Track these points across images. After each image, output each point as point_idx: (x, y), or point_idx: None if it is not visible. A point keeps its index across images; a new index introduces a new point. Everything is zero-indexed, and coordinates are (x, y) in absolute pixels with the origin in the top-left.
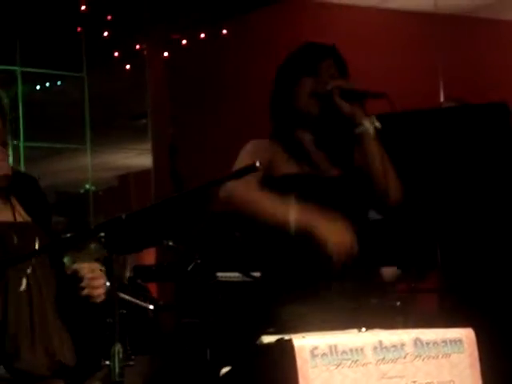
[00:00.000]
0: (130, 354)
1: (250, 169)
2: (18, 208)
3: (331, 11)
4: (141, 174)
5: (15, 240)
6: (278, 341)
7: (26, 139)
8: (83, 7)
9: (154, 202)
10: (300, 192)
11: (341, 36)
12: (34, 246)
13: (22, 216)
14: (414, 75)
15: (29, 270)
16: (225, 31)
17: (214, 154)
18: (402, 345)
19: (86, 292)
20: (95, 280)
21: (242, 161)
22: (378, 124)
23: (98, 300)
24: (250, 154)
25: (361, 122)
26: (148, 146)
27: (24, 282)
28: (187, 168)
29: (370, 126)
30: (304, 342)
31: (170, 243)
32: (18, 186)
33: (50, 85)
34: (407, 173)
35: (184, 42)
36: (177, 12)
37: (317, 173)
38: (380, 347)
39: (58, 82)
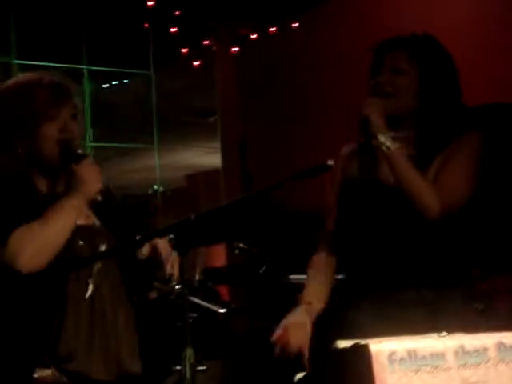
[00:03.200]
0: (202, 358)
1: (322, 168)
2: (87, 211)
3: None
4: (209, 174)
5: (80, 243)
6: (354, 345)
7: (93, 139)
8: (150, 3)
9: (222, 202)
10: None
11: (419, 24)
12: (100, 249)
13: (91, 219)
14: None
15: (95, 273)
16: (295, 24)
17: (284, 152)
18: (485, 349)
19: (168, 270)
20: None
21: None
22: (391, 144)
23: (176, 280)
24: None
25: (376, 135)
26: (217, 144)
27: (91, 286)
28: (257, 167)
29: (384, 141)
30: (381, 347)
31: (241, 245)
32: None
33: (117, 83)
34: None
35: (253, 36)
36: (245, 6)
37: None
38: (462, 352)
39: (126, 80)
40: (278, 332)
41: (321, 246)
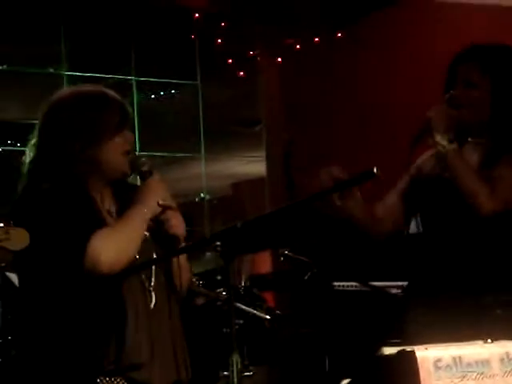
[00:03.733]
0: (248, 364)
1: (367, 175)
2: None
3: (453, 10)
4: (255, 182)
5: (136, 256)
6: (399, 352)
7: (141, 149)
8: (196, 15)
9: (267, 210)
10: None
11: (465, 36)
12: (152, 253)
13: None
14: None
15: (152, 283)
16: (339, 34)
17: (328, 161)
18: None
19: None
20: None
21: None
22: (447, 144)
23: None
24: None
25: (433, 134)
26: (262, 153)
27: (153, 295)
28: (302, 175)
29: (441, 140)
30: (427, 354)
31: (286, 252)
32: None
33: (164, 93)
34: None
35: (297, 46)
36: (289, 16)
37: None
38: (507, 359)
39: (173, 91)
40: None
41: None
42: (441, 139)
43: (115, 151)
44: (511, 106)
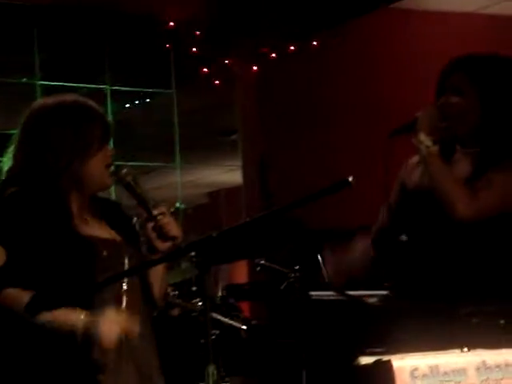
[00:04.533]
0: (225, 375)
1: (342, 184)
2: (109, 228)
3: (428, 18)
4: (231, 191)
5: (105, 254)
6: (376, 362)
7: (116, 158)
8: (171, 23)
9: (244, 219)
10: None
11: (440, 44)
12: (125, 262)
13: (113, 234)
14: None
15: (125, 289)
16: (315, 43)
17: (305, 170)
18: (507, 365)
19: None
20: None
21: None
22: (431, 144)
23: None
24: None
25: (418, 133)
26: (238, 162)
27: (124, 300)
28: (278, 184)
29: (424, 140)
30: (403, 363)
31: (262, 261)
32: (106, 212)
33: (138, 103)
34: None
35: (273, 55)
36: (264, 25)
37: None
38: (484, 367)
39: (147, 100)
40: None
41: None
42: (424, 139)
43: (98, 165)
44: (500, 116)
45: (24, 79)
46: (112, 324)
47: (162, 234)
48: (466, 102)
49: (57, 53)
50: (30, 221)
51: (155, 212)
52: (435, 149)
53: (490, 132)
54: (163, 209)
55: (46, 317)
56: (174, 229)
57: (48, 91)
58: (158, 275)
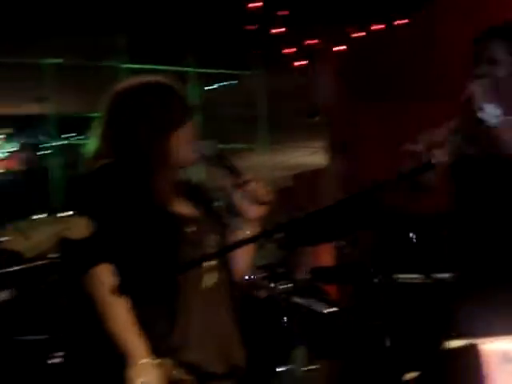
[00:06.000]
0: (311, 358)
1: (426, 167)
2: (193, 209)
3: None
4: (315, 173)
5: (191, 230)
6: (465, 345)
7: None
8: (257, 4)
9: (328, 201)
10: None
11: None
12: (209, 239)
13: (195, 212)
14: None
15: (210, 266)
16: (400, 22)
17: (391, 152)
18: None
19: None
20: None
21: None
22: (499, 113)
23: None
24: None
25: (482, 107)
26: (322, 143)
27: (207, 279)
28: (361, 167)
29: (492, 111)
30: (494, 347)
31: (348, 244)
32: (188, 193)
33: (224, 85)
34: None
35: (357, 34)
36: (349, 5)
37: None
38: None
39: (232, 82)
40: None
41: None
42: (492, 109)
43: (183, 141)
44: None
45: (109, 62)
46: None
47: (255, 200)
48: (501, 71)
49: (142, 35)
50: (119, 194)
51: (246, 178)
52: (502, 118)
53: None
54: (252, 175)
55: (119, 325)
56: (266, 193)
57: (132, 74)
58: (245, 254)
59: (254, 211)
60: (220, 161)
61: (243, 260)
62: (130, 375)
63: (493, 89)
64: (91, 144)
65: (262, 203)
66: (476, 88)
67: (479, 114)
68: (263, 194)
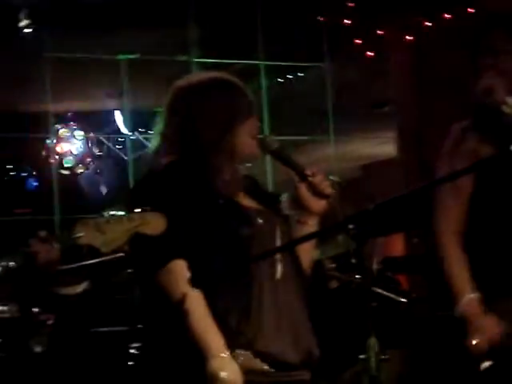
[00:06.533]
0: (385, 347)
1: (499, 157)
2: (256, 203)
3: None
4: (384, 163)
5: (260, 221)
6: None
7: (270, 133)
8: None
9: (398, 192)
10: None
11: None
12: (277, 230)
13: (262, 207)
14: None
15: (280, 259)
16: (471, 10)
17: None
18: None
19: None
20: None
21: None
22: None
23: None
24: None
25: (504, 100)
26: (391, 134)
27: (279, 269)
28: (433, 158)
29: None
30: None
31: (419, 234)
32: (248, 187)
33: (292, 77)
34: None
35: (428, 24)
36: None
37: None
38: None
39: (300, 74)
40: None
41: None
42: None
43: (246, 136)
44: None
45: (180, 57)
46: None
47: (317, 193)
48: (507, 61)
49: (212, 29)
50: (189, 190)
51: (308, 172)
52: None
53: None
54: (314, 169)
55: (197, 320)
56: (327, 187)
57: (204, 68)
58: (307, 248)
59: (316, 204)
60: (280, 155)
61: (306, 253)
62: (210, 369)
63: (508, 81)
64: (154, 140)
65: (324, 196)
66: (495, 81)
67: (504, 108)
68: (325, 187)
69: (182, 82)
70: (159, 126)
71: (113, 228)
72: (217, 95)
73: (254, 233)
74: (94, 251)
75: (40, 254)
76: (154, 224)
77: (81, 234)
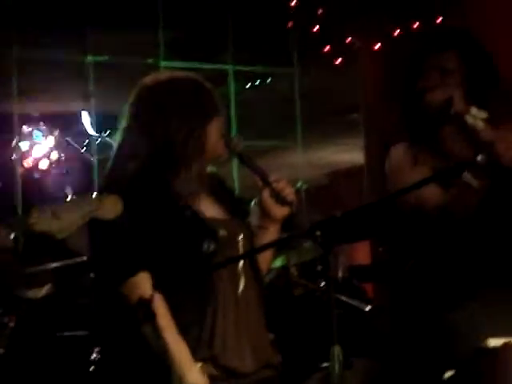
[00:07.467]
0: (348, 355)
1: (467, 165)
2: (220, 206)
3: None
4: (351, 170)
5: (222, 232)
6: (505, 344)
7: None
8: (293, 2)
9: (365, 199)
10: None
11: None
12: (239, 240)
13: (224, 213)
14: None
15: (241, 269)
16: (439, 19)
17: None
18: None
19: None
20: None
21: (397, 168)
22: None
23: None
24: (401, 160)
25: (467, 110)
26: (359, 141)
27: (242, 282)
28: None
29: (478, 113)
30: None
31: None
32: (213, 186)
33: (259, 82)
34: None
35: (396, 32)
36: (387, 2)
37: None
38: None
39: (268, 79)
40: None
41: None
42: (477, 112)
43: (213, 135)
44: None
45: (149, 60)
46: None
47: (280, 199)
48: (453, 79)
49: (181, 33)
50: (154, 202)
51: (271, 178)
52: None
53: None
54: (278, 176)
55: (162, 327)
56: (291, 193)
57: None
58: (267, 255)
59: (279, 211)
60: (244, 158)
61: (265, 260)
62: (177, 379)
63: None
64: (118, 135)
65: (287, 203)
66: (455, 91)
67: (467, 118)
68: (288, 193)
69: (150, 78)
70: (124, 120)
71: (69, 213)
72: (187, 92)
73: (217, 247)
74: (48, 238)
75: None
76: (110, 207)
77: (36, 220)
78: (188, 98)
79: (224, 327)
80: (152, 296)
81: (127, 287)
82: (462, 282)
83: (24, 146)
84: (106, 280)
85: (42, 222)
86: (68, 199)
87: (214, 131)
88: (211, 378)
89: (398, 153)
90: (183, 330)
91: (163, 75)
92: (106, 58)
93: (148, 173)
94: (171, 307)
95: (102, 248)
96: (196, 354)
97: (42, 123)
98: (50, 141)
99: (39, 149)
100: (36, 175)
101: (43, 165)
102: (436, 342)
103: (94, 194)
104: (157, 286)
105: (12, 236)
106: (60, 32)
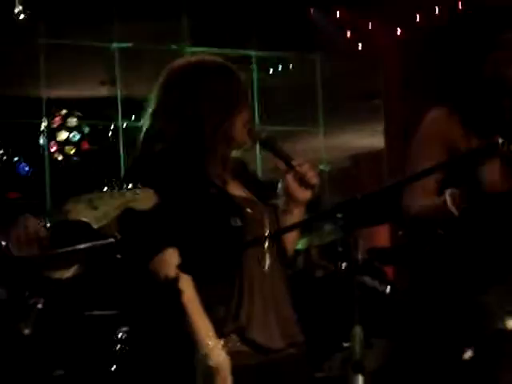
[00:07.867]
0: (369, 336)
1: (489, 148)
2: (244, 189)
3: None
4: (372, 155)
5: (249, 211)
6: None
7: (260, 123)
8: None
9: (386, 183)
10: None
11: None
12: (265, 219)
13: (251, 195)
14: None
15: (266, 249)
16: (461, 6)
17: None
18: None
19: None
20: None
21: (423, 140)
22: None
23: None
24: (430, 133)
25: None
26: (380, 126)
27: (268, 260)
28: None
29: None
30: None
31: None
32: (237, 171)
33: (282, 68)
34: None
35: (418, 19)
36: None
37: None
38: None
39: (290, 65)
40: None
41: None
42: None
43: (240, 123)
44: None
45: (173, 46)
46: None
47: (304, 183)
48: None
49: (204, 19)
50: (181, 179)
51: (294, 162)
52: None
53: None
54: (301, 160)
55: (188, 301)
56: (314, 177)
57: None
58: (292, 236)
59: (302, 194)
60: (268, 144)
61: (290, 241)
62: (200, 357)
63: None
64: (145, 120)
65: (310, 186)
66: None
67: None
68: (311, 177)
69: (179, 62)
70: (151, 104)
71: (104, 203)
72: (218, 79)
73: (244, 223)
74: (84, 227)
75: (29, 229)
76: (145, 199)
77: (72, 209)
78: (219, 85)
79: (250, 302)
80: (178, 274)
81: (155, 264)
82: (489, 265)
83: (52, 131)
84: (134, 258)
85: (78, 211)
86: (104, 190)
87: (241, 121)
88: (240, 354)
89: (439, 117)
90: (210, 306)
91: (193, 59)
92: (131, 44)
93: (175, 153)
94: (198, 284)
95: (131, 226)
96: (222, 329)
97: (67, 109)
98: (77, 126)
99: (67, 134)
100: (64, 160)
101: (70, 150)
102: (460, 324)
103: (130, 185)
104: (184, 263)
105: (48, 225)
106: (86, 19)
